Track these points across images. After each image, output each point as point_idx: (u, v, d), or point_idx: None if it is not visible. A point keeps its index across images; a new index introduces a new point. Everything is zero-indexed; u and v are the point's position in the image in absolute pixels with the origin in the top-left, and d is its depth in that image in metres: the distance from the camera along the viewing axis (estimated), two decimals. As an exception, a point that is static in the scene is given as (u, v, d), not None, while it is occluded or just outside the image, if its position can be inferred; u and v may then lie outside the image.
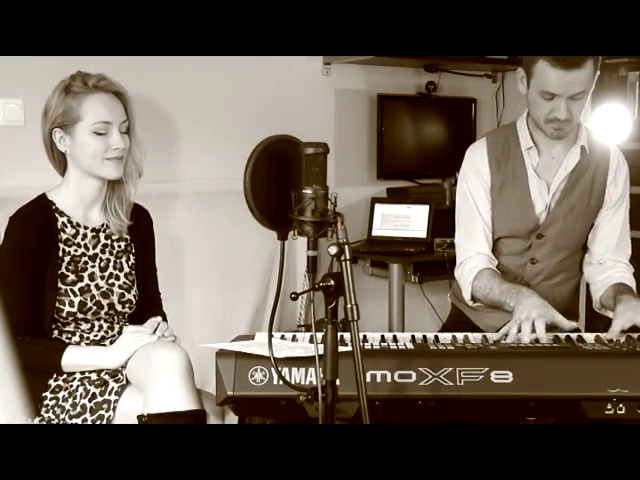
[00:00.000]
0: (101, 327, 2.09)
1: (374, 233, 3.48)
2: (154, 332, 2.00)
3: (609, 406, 1.67)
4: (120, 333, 2.07)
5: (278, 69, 3.27)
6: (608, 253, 2.24)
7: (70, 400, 1.94)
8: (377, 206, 3.51)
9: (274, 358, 1.58)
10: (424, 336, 1.95)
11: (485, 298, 2.17)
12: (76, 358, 1.96)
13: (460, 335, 1.97)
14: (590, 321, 3.41)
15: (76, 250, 2.07)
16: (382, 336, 1.94)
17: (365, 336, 1.92)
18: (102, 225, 2.13)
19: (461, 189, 2.29)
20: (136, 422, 1.84)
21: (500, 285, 2.11)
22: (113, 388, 1.93)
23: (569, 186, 2.21)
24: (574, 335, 1.94)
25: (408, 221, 3.43)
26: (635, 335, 1.94)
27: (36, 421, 1.92)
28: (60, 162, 2.11)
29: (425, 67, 3.73)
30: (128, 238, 2.18)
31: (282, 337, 1.91)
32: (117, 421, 1.90)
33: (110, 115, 2.03)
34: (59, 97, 2.03)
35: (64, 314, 2.02)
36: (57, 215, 2.07)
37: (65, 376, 1.98)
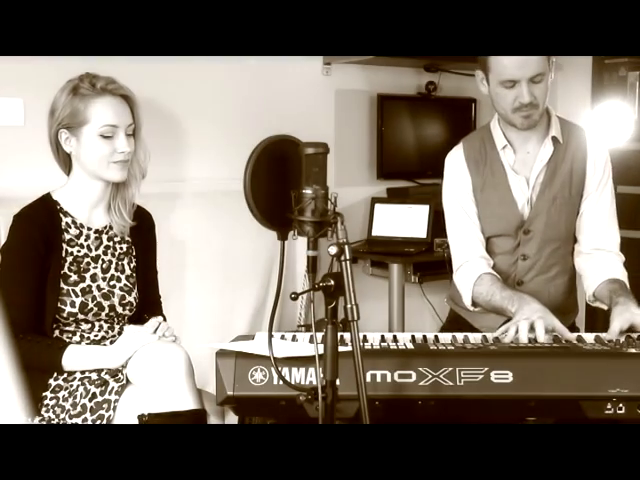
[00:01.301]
0: (101, 327, 2.09)
1: (374, 233, 3.48)
2: (155, 332, 2.00)
3: (609, 406, 1.67)
4: (120, 333, 2.07)
5: (278, 69, 3.27)
6: (596, 242, 2.23)
7: (70, 400, 1.93)
8: (377, 206, 3.50)
9: (274, 358, 1.58)
10: (424, 336, 1.95)
11: (487, 304, 2.17)
12: (77, 357, 1.96)
13: (460, 335, 1.97)
14: (590, 319, 3.41)
15: (79, 251, 2.07)
16: (382, 336, 1.94)
17: (365, 336, 1.92)
18: (105, 227, 2.13)
19: (446, 195, 2.30)
20: (136, 422, 1.85)
21: (502, 291, 2.11)
22: (113, 388, 1.93)
23: (547, 178, 2.21)
24: (574, 335, 1.94)
25: (408, 221, 3.43)
26: (635, 335, 1.94)
27: (36, 421, 1.92)
28: (65, 162, 2.10)
29: (425, 67, 3.72)
30: (130, 240, 2.18)
31: (282, 337, 1.91)
32: (117, 421, 1.90)
33: (117, 119, 2.02)
34: (66, 98, 2.01)
35: (65, 314, 2.02)
36: (61, 215, 2.07)
37: (65, 375, 1.98)
